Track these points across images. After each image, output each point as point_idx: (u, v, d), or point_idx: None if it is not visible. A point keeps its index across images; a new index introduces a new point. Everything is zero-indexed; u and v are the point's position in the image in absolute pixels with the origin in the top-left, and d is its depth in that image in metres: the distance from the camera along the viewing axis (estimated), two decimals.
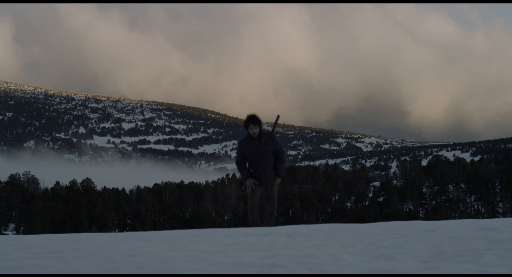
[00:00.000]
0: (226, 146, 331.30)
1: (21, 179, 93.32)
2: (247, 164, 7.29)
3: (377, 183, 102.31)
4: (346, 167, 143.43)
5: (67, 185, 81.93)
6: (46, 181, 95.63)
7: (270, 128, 7.43)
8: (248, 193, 7.36)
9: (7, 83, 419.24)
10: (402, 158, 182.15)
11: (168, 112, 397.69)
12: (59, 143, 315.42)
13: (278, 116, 7.29)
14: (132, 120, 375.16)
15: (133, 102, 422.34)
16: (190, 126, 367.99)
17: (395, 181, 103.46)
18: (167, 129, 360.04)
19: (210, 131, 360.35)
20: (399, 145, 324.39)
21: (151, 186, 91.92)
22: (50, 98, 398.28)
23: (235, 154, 7.39)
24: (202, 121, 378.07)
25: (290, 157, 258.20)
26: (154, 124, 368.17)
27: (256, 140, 7.05)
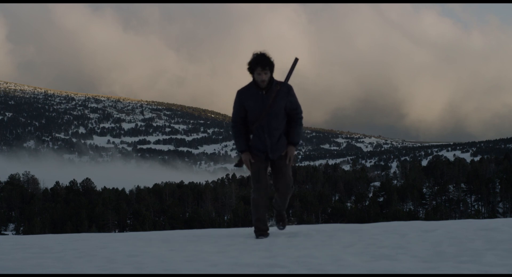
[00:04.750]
0: (226, 146, 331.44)
1: (21, 179, 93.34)
2: (247, 127, 5.08)
3: (377, 183, 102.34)
4: (346, 167, 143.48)
5: (67, 185, 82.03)
6: (46, 181, 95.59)
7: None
8: (251, 174, 5.07)
9: (6, 83, 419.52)
10: (402, 158, 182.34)
11: (168, 112, 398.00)
12: (59, 143, 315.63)
13: (296, 59, 5.02)
14: (132, 120, 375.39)
15: (133, 102, 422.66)
16: (190, 126, 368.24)
17: (395, 181, 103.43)
18: (167, 129, 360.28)
19: (210, 131, 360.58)
20: (399, 145, 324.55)
21: (151, 186, 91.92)
22: (50, 98, 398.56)
23: (232, 112, 5.05)
24: (202, 121, 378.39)
25: None
26: (154, 124, 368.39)
27: (265, 91, 4.87)
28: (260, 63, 4.77)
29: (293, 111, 4.95)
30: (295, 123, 4.99)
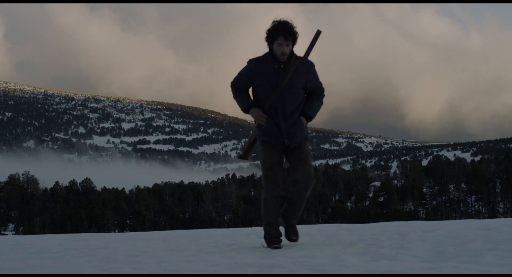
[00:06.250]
0: (226, 146, 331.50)
1: (21, 179, 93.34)
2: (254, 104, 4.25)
3: (377, 183, 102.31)
4: (346, 167, 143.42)
5: (67, 185, 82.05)
6: (46, 181, 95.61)
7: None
8: (262, 169, 4.19)
9: (6, 82, 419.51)
10: (403, 158, 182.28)
11: (168, 112, 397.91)
12: (58, 143, 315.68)
13: (319, 32, 4.17)
14: (132, 120, 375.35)
15: (133, 102, 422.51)
16: (190, 126, 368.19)
17: (395, 181, 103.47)
18: (167, 129, 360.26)
19: (210, 131, 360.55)
20: (399, 145, 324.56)
21: (151, 186, 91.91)
22: (49, 98, 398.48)
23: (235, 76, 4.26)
24: (202, 121, 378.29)
25: None
26: (154, 124, 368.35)
27: (282, 65, 4.07)
28: (284, 32, 3.94)
29: (314, 89, 4.20)
30: (315, 97, 4.23)
